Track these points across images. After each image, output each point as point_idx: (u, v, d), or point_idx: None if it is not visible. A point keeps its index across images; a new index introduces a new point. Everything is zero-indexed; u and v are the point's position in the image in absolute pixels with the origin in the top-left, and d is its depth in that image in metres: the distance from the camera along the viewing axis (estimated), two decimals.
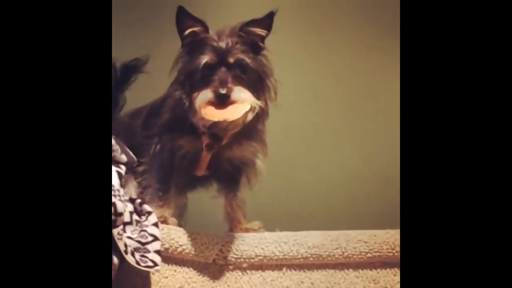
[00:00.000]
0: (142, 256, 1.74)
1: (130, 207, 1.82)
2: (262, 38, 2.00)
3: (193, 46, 1.97)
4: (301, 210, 2.82)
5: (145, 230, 1.80)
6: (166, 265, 1.86)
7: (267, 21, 1.99)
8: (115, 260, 1.66)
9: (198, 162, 2.04)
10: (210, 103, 1.89)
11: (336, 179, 2.90)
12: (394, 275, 1.98)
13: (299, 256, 1.98)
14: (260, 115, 1.98)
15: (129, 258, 1.69)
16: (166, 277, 1.86)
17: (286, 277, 1.97)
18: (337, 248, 1.99)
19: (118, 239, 1.67)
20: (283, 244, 1.98)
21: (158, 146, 2.03)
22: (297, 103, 2.86)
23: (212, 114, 1.89)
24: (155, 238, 1.79)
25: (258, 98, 1.94)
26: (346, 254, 1.99)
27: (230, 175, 2.10)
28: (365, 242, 2.00)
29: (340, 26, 2.99)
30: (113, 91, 2.39)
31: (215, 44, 1.94)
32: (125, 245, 1.70)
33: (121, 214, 1.62)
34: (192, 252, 1.91)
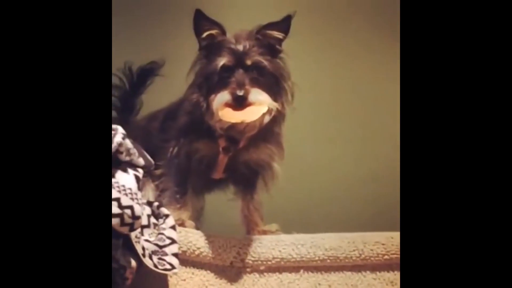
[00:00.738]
0: (160, 259, 1.75)
1: (147, 210, 1.83)
2: (280, 41, 2.00)
3: (211, 49, 1.98)
4: (318, 212, 2.82)
5: (163, 233, 1.80)
6: (183, 267, 1.86)
7: (284, 24, 1.99)
8: (133, 263, 1.67)
9: (215, 165, 2.05)
10: (228, 105, 1.90)
11: (353, 181, 2.90)
12: None
13: (316, 258, 1.98)
14: (277, 118, 1.99)
15: (147, 261, 1.69)
16: (184, 280, 1.87)
17: (303, 279, 1.97)
18: (354, 250, 1.99)
19: (136, 242, 1.68)
20: (300, 246, 1.98)
21: (175, 150, 2.04)
22: (314, 105, 2.86)
23: (230, 116, 1.89)
24: (173, 241, 1.80)
25: (275, 100, 1.95)
26: (363, 256, 1.99)
27: (247, 178, 2.10)
28: (383, 244, 2.00)
29: (356, 28, 2.99)
30: (129, 95, 2.42)
31: (232, 46, 1.95)
32: (143, 248, 1.71)
33: (138, 217, 1.62)
34: (210, 254, 1.91)
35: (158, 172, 2.03)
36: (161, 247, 1.77)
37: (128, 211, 1.60)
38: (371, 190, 2.84)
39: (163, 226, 1.83)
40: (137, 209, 1.62)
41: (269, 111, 1.93)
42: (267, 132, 2.00)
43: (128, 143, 1.70)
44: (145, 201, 1.85)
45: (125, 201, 1.61)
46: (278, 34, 1.99)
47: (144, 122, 2.28)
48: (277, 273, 1.97)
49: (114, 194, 1.61)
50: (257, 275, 1.95)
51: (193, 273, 1.89)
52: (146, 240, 1.76)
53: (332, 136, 2.97)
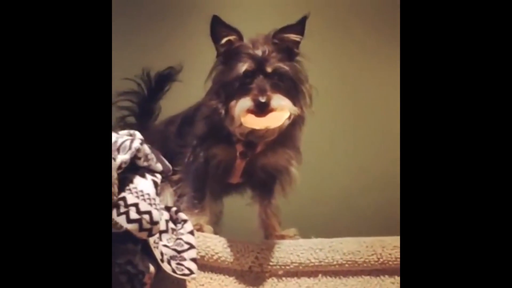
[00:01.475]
0: (178, 264, 1.75)
1: (166, 215, 1.83)
2: (297, 44, 2.00)
3: (229, 55, 1.98)
4: (336, 216, 2.82)
5: (181, 238, 1.81)
6: (202, 272, 1.86)
7: (300, 26, 1.99)
8: (151, 268, 1.68)
9: (232, 170, 2.05)
10: (250, 111, 1.90)
11: (371, 185, 2.89)
12: None
13: (335, 262, 1.97)
14: (296, 122, 1.99)
15: (165, 266, 1.70)
16: (202, 285, 1.87)
17: (322, 283, 1.97)
18: (372, 255, 1.99)
19: (154, 247, 1.69)
20: (319, 250, 1.98)
21: (193, 155, 2.04)
22: (332, 109, 2.86)
23: (253, 122, 1.89)
24: (191, 246, 1.80)
25: (294, 104, 1.94)
26: (381, 260, 1.99)
27: (264, 183, 2.10)
28: None
29: (373, 28, 2.99)
30: (148, 101, 2.43)
31: (251, 52, 1.95)
32: (161, 254, 1.71)
33: (157, 223, 1.63)
34: (228, 259, 1.91)
35: (175, 177, 2.04)
36: (179, 252, 1.78)
37: (146, 217, 1.61)
38: (390, 194, 2.83)
39: (181, 231, 1.83)
40: (156, 215, 1.63)
41: (289, 116, 1.93)
42: (285, 136, 1.99)
43: (146, 148, 1.71)
44: (163, 206, 1.85)
45: (144, 206, 1.62)
46: (295, 37, 1.99)
47: (161, 127, 2.28)
48: (295, 278, 1.96)
49: (133, 199, 1.62)
50: (275, 279, 1.95)
51: (211, 278, 1.89)
52: (165, 245, 1.77)
53: (350, 139, 2.96)
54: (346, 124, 2.98)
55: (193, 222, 1.89)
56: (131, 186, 1.65)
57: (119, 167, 1.63)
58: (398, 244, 1.98)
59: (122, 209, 1.61)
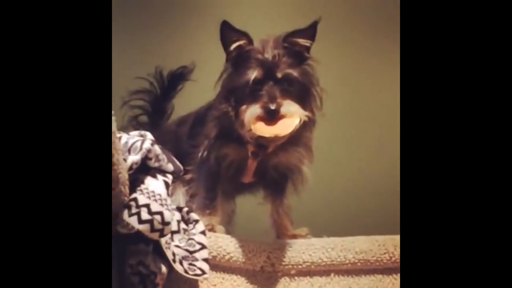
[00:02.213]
0: (190, 264, 1.75)
1: (177, 215, 1.83)
2: (307, 49, 1.99)
3: (239, 60, 1.97)
4: (348, 215, 2.82)
5: (193, 239, 1.81)
6: (214, 273, 1.86)
7: (311, 31, 1.97)
8: (163, 269, 1.68)
9: (244, 170, 2.05)
10: (260, 118, 1.89)
11: (382, 184, 2.89)
12: None
13: (347, 261, 1.97)
14: (307, 124, 1.97)
15: (177, 266, 1.70)
16: (214, 285, 1.87)
17: (334, 282, 1.96)
18: (384, 253, 1.99)
19: (166, 248, 1.69)
20: (331, 250, 1.98)
21: (204, 155, 2.03)
22: (343, 109, 2.86)
23: (263, 130, 1.88)
24: (203, 246, 1.80)
25: (304, 108, 1.93)
26: (394, 259, 1.98)
27: (276, 182, 2.09)
28: None
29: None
30: (160, 100, 2.43)
31: (260, 57, 1.93)
32: (173, 254, 1.72)
33: (168, 223, 1.63)
34: (240, 259, 1.91)
35: (187, 177, 2.04)
36: (191, 252, 1.78)
37: (158, 217, 1.62)
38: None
39: (193, 231, 1.83)
40: (167, 215, 1.63)
41: (300, 120, 1.92)
42: (297, 136, 1.98)
43: (157, 149, 1.71)
44: (174, 206, 1.85)
45: (155, 207, 1.63)
46: (305, 42, 1.97)
47: (173, 127, 2.29)
48: (307, 277, 1.96)
49: (144, 200, 1.63)
50: (287, 279, 1.95)
51: (223, 278, 1.89)
52: (177, 246, 1.77)
53: (362, 139, 2.96)
54: (359, 124, 2.98)
55: (204, 222, 1.89)
56: (142, 186, 1.66)
57: (130, 168, 1.64)
58: None
59: (134, 210, 1.61)
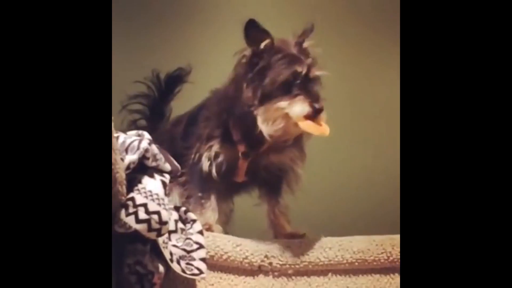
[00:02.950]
0: (188, 264, 1.75)
1: (175, 215, 1.83)
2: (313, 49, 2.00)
3: (263, 57, 1.96)
4: (346, 215, 2.82)
5: (190, 238, 1.80)
6: (211, 272, 1.86)
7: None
8: (161, 268, 1.68)
9: (235, 170, 2.05)
10: (308, 117, 1.89)
11: (381, 184, 2.89)
12: None
13: (344, 261, 1.97)
14: None
15: (174, 266, 1.70)
16: (212, 285, 1.87)
17: (332, 282, 1.97)
18: (382, 253, 1.99)
19: (163, 247, 1.69)
20: (328, 249, 1.98)
21: (196, 156, 2.03)
22: (343, 109, 2.86)
23: (313, 129, 1.90)
24: (200, 246, 1.80)
25: None
26: (391, 258, 1.99)
27: (270, 182, 2.10)
28: None
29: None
30: (158, 103, 2.44)
31: (297, 56, 1.95)
32: (171, 253, 1.72)
33: (166, 223, 1.63)
34: (238, 259, 1.91)
35: (182, 179, 2.04)
36: (188, 252, 1.78)
37: (155, 217, 1.61)
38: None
39: (191, 231, 1.83)
40: (164, 215, 1.63)
41: None
42: None
43: (155, 148, 1.71)
44: (172, 206, 1.85)
45: (152, 206, 1.62)
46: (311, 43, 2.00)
47: (168, 127, 2.29)
48: (305, 277, 1.96)
49: (141, 199, 1.63)
50: (285, 279, 1.95)
51: (221, 278, 1.89)
52: (174, 245, 1.77)
53: (358, 137, 2.97)
54: (354, 123, 2.99)
55: (202, 222, 1.90)
56: (139, 186, 1.65)
57: (128, 168, 1.64)
58: None
59: (131, 210, 1.61)
